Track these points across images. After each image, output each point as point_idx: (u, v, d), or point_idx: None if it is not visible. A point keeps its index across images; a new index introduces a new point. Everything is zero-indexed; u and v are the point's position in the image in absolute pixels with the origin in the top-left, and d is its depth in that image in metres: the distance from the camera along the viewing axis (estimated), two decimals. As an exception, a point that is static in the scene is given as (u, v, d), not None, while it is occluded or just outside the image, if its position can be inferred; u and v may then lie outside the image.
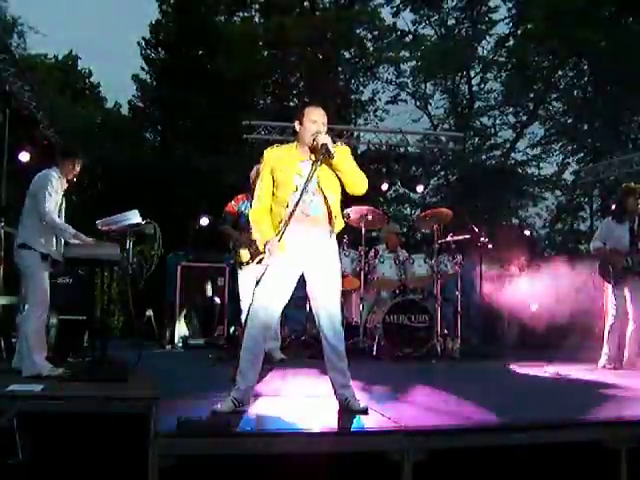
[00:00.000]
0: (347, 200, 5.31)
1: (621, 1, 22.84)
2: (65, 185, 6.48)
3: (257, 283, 4.82)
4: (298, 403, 5.28)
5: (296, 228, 4.79)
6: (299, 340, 9.62)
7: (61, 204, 6.45)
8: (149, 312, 10.97)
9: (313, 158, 4.85)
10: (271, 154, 5.04)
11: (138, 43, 26.83)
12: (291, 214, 4.70)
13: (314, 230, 4.92)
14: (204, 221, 10.40)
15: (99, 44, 51.26)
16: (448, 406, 5.37)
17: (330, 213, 4.96)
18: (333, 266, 4.98)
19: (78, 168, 6.59)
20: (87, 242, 6.18)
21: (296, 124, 4.99)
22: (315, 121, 4.91)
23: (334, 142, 4.90)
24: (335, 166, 4.85)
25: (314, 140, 4.84)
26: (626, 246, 8.25)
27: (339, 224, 5.06)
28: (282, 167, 4.95)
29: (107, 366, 6.10)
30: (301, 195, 4.73)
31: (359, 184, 5.00)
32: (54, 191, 6.25)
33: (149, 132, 27.47)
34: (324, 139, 4.79)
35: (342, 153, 4.92)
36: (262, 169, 5.05)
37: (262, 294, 4.74)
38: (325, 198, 4.93)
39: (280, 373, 6.63)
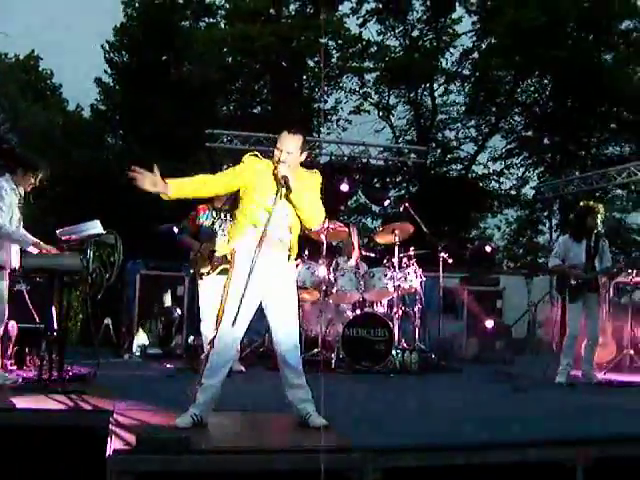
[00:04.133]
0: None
1: (581, 19, 23.21)
2: (21, 193, 6.43)
3: (221, 301, 4.78)
4: (257, 418, 5.27)
5: (268, 251, 4.78)
6: (258, 351, 9.62)
7: (21, 208, 6.41)
8: (107, 320, 10.88)
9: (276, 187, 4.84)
10: (253, 161, 4.98)
11: (102, 46, 26.60)
12: (263, 236, 4.67)
13: (281, 255, 4.96)
14: (174, 229, 10.24)
15: (62, 45, 50.77)
16: (407, 422, 5.40)
17: (294, 240, 5.03)
18: (292, 287, 5.03)
19: (38, 180, 6.53)
20: (47, 249, 6.15)
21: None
22: (279, 148, 4.89)
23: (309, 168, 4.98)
24: (291, 200, 4.85)
25: (275, 168, 4.85)
26: (582, 263, 8.35)
27: (296, 250, 5.13)
28: (259, 180, 4.91)
29: (64, 377, 6.05)
30: (268, 221, 4.71)
31: (313, 220, 5.03)
32: (5, 204, 6.18)
33: (111, 136, 27.26)
34: (284, 171, 4.78)
35: (306, 186, 4.95)
36: (239, 168, 4.97)
37: (228, 316, 4.70)
38: (294, 226, 4.99)
39: (239, 386, 6.60)
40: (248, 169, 4.96)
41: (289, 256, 5.02)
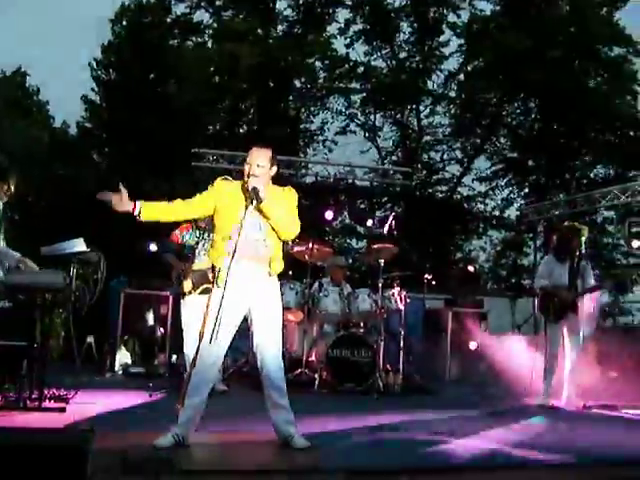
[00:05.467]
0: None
1: (567, 45, 23.38)
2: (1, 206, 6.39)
3: (204, 319, 4.77)
4: (240, 439, 5.23)
5: (244, 265, 4.82)
6: (242, 371, 9.57)
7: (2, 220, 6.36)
8: (90, 338, 10.83)
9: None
10: (223, 184, 5.11)
11: (89, 64, 26.54)
12: (235, 249, 4.69)
13: (260, 269, 5.00)
14: (153, 247, 10.29)
15: (48, 62, 50.74)
16: (388, 445, 5.38)
17: (272, 255, 5.06)
18: (276, 306, 5.07)
19: (12, 188, 6.47)
20: (31, 267, 6.11)
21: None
22: (248, 163, 4.99)
23: (284, 185, 5.04)
24: (263, 211, 4.90)
25: (246, 183, 4.91)
26: (565, 284, 8.36)
27: (280, 266, 5.15)
28: (228, 200, 5.00)
29: (45, 396, 6.01)
30: (238, 235, 4.75)
31: (287, 231, 5.11)
32: None
33: (96, 154, 27.15)
34: (254, 182, 4.87)
35: (279, 200, 5.03)
36: (207, 192, 5.12)
37: (210, 332, 4.69)
38: (270, 240, 5.02)
39: (222, 406, 6.54)
40: (217, 191, 5.09)
41: (269, 272, 5.03)
